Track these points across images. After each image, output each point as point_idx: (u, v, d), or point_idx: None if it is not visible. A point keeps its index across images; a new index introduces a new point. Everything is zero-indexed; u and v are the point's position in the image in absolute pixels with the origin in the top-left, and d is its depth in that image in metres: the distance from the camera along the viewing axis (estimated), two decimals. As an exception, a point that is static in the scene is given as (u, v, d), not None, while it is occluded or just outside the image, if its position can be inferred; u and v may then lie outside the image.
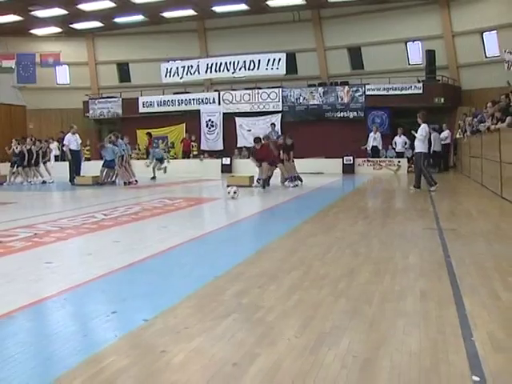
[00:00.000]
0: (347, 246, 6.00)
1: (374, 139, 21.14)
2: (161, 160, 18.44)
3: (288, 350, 2.92)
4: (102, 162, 16.55)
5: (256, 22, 25.03)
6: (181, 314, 3.58)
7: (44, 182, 17.40)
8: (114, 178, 16.43)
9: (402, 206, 11.27)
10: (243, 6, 23.50)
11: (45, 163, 18.29)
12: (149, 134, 17.92)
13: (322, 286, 4.28)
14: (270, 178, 14.43)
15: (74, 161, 16.79)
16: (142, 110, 25.48)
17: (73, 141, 16.67)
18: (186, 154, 24.06)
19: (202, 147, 24.41)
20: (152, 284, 4.51)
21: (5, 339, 3.12)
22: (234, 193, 11.25)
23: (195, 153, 24.04)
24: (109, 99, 26.51)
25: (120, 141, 16.56)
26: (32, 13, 23.30)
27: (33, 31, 26.47)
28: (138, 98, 25.69)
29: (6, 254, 5.91)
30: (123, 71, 28.18)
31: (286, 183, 14.30)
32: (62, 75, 28.46)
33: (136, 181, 16.25)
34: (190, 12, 24.22)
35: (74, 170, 16.66)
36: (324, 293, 4.06)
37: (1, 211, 10.62)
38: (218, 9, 23.76)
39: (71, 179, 16.57)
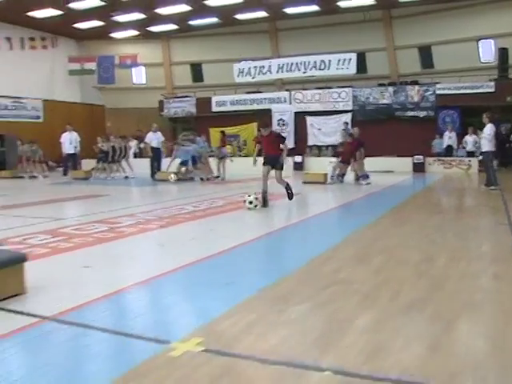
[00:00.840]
0: (424, 237, 6.67)
1: (448, 138, 21.41)
2: (185, 163, 17.41)
3: (383, 312, 3.67)
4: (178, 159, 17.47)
5: (326, 23, 25.59)
6: (287, 286, 4.40)
7: (126, 177, 18.61)
8: (192, 174, 17.39)
9: (474, 202, 11.72)
10: (314, 8, 24.12)
11: (126, 160, 19.51)
12: (222, 133, 18.80)
13: (405, 267, 5.00)
14: (343, 175, 15.08)
15: (155, 157, 17.92)
16: (214, 108, 26.53)
17: (154, 139, 17.84)
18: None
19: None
20: (257, 263, 5.35)
21: (165, 294, 4.04)
22: (251, 203, 9.40)
23: (267, 151, 24.83)
24: (183, 98, 27.73)
25: (198, 139, 17.55)
26: (113, 18, 24.72)
27: (112, 35, 28.00)
28: (211, 98, 26.75)
29: (119, 237, 6.90)
30: (196, 71, 29.34)
31: (360, 181, 14.81)
32: (139, 76, 29.88)
33: (214, 177, 17.19)
34: (263, 14, 25.03)
35: (156, 166, 17.79)
36: (407, 273, 4.79)
37: (98, 203, 11.75)
38: (289, 10, 24.48)
39: (152, 175, 17.70)
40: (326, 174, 15.37)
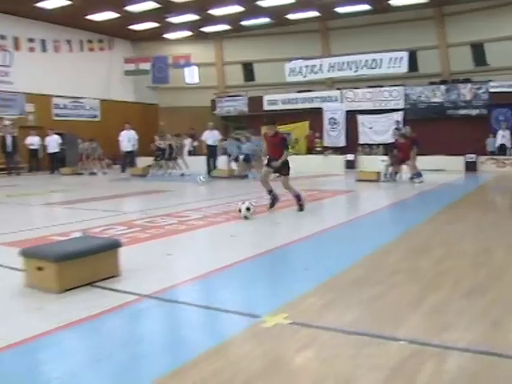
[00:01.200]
0: (480, 232, 7.00)
1: (502, 137, 21.36)
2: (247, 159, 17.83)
3: (446, 296, 4.07)
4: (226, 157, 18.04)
5: (377, 21, 25.72)
6: (357, 272, 4.82)
7: (182, 174, 19.26)
8: (247, 172, 17.91)
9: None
10: (366, 7, 24.33)
11: (181, 157, 20.19)
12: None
13: (464, 259, 5.38)
14: (397, 173, 15.36)
15: (211, 155, 18.54)
16: (266, 107, 27.01)
17: (210, 137, 18.45)
18: (310, 150, 25.34)
19: (324, 143, 25.57)
20: (328, 252, 5.81)
21: (248, 277, 4.54)
22: (248, 209, 8.25)
23: (319, 149, 25.26)
24: (235, 97, 28.33)
25: (253, 137, 18.06)
26: (167, 19, 25.49)
27: (166, 35, 28.79)
28: (262, 97, 27.26)
29: (191, 229, 7.43)
30: (248, 71, 29.88)
31: (414, 179, 15.00)
32: (191, 75, 30.59)
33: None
34: (314, 13, 25.37)
35: (212, 164, 18.40)
36: (466, 264, 5.17)
37: (162, 198, 12.38)
38: (340, 10, 24.75)
39: (209, 172, 18.31)
40: (379, 173, 15.66)
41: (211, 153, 18.55)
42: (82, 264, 4.44)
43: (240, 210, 8.23)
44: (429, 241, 6.39)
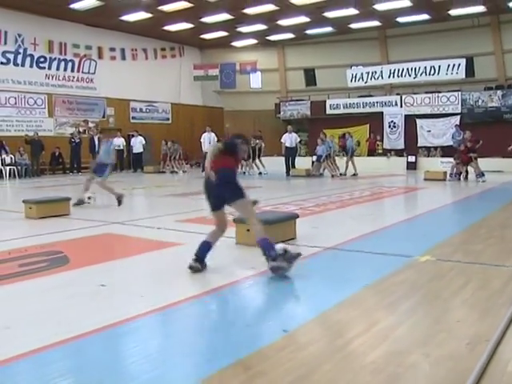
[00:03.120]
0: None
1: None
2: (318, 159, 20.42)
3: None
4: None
5: (434, 29, 27.63)
6: (461, 236, 7.03)
7: (260, 174, 21.58)
8: (322, 171, 20.19)
9: None
10: (425, 16, 26.27)
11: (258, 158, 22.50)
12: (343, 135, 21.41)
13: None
14: (461, 173, 17.41)
15: (289, 156, 20.83)
16: (328, 111, 29.25)
17: (288, 139, 20.76)
18: (371, 153, 27.49)
19: (384, 146, 27.68)
20: (442, 221, 8.07)
21: (385, 240, 6.83)
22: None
23: (380, 151, 27.40)
24: (298, 102, 30.66)
25: (327, 139, 20.29)
26: (237, 29, 27.95)
27: (232, 43, 31.28)
28: (325, 101, 29.50)
29: (314, 213, 9.68)
30: (309, 76, 32.15)
31: (477, 178, 16.99)
32: (255, 80, 33.00)
33: (340, 174, 19.92)
34: (375, 23, 27.44)
35: (289, 164, 20.72)
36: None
37: (259, 192, 14.64)
38: (401, 19, 26.76)
39: (287, 171, 20.61)
40: (445, 172, 17.75)
41: (289, 154, 20.81)
42: (276, 228, 6.75)
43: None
44: (507, 220, 8.56)
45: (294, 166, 20.94)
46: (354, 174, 19.95)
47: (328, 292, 4.68)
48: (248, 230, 6.60)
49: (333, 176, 19.67)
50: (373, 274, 5.12)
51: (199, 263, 5.41)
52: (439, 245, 6.50)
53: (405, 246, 6.58)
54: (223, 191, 5.42)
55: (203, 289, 4.89)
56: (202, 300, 4.52)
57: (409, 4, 23.62)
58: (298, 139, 21.51)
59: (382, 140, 27.84)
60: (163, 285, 5.03)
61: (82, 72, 26.46)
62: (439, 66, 26.24)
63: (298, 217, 7.19)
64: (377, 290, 4.61)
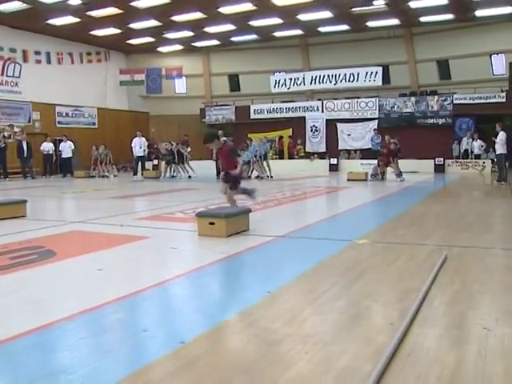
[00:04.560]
0: (457, 208, 10.71)
1: (466, 143, 25.52)
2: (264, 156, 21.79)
3: (444, 228, 7.69)
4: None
5: (354, 38, 29.65)
6: (393, 223, 8.41)
7: (189, 177, 22.58)
8: (249, 174, 21.42)
9: (487, 191, 15.78)
10: (345, 27, 28.15)
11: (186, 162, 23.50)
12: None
13: (450, 217, 9.00)
14: (383, 173, 19.11)
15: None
16: (253, 116, 30.64)
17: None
18: (291, 156, 29.13)
19: (306, 149, 29.33)
20: (374, 214, 9.42)
21: (340, 224, 8.11)
22: None
23: (302, 154, 29.03)
24: (223, 107, 31.89)
25: (254, 143, 21.55)
26: (164, 35, 28.87)
27: (159, 49, 32.18)
28: (249, 106, 30.87)
29: (266, 208, 10.81)
30: (234, 82, 33.47)
31: (396, 178, 18.74)
32: (180, 85, 33.97)
33: (267, 176, 21.20)
34: (298, 32, 29.06)
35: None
36: (453, 217, 8.77)
37: (197, 193, 15.70)
38: (322, 29, 28.51)
39: (218, 174, 21.61)
40: (366, 173, 19.42)
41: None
42: (235, 220, 7.86)
43: None
44: (427, 211, 10.10)
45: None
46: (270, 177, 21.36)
47: (294, 264, 5.86)
48: (211, 223, 7.69)
49: (261, 178, 20.93)
50: (323, 253, 6.32)
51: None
52: (372, 231, 7.81)
53: (344, 233, 7.86)
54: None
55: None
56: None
57: (330, 15, 25.32)
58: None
59: (304, 143, 29.46)
60: (156, 267, 6.05)
61: (7, 75, 26.57)
62: (358, 73, 28.17)
63: (251, 211, 8.34)
64: (329, 263, 5.82)
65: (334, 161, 26.95)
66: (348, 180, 19.31)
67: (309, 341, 3.35)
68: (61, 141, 26.10)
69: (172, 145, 22.97)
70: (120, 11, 24.26)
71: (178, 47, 32.08)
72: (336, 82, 28.73)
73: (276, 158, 28.32)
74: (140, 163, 24.01)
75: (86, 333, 3.72)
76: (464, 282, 4.81)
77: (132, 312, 4.27)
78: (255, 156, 21.35)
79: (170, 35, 29.02)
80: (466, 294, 4.39)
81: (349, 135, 28.72)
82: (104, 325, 3.89)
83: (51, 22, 25.58)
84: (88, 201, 14.06)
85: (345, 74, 28.44)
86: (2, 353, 3.31)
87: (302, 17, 25.66)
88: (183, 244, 7.41)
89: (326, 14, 25.30)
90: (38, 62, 27.83)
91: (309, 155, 28.93)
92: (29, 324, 3.77)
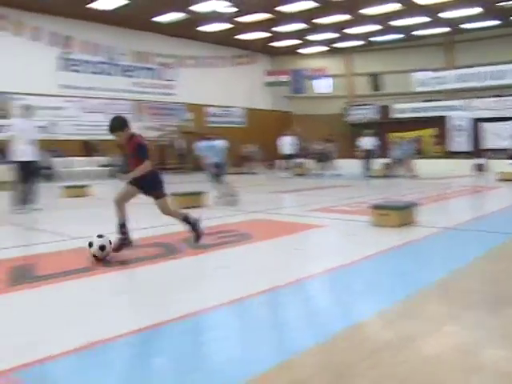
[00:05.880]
0: None
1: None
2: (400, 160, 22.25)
3: None
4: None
5: (501, 33, 28.85)
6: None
7: (338, 175, 23.48)
8: (396, 172, 22.02)
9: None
10: (493, 22, 27.50)
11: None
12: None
13: None
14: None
15: (368, 158, 22.47)
16: (394, 115, 31.06)
17: (367, 141, 22.42)
18: (433, 155, 29.29)
19: (451, 149, 29.31)
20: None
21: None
22: (101, 249, 6.09)
23: (442, 153, 29.11)
24: (365, 106, 32.59)
25: (404, 142, 22.12)
26: (307, 37, 30.10)
27: (301, 50, 33.53)
28: (390, 106, 31.37)
29: (441, 199, 11.58)
30: (375, 81, 33.92)
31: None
32: (323, 85, 35.01)
33: (414, 175, 21.70)
34: (442, 30, 28.96)
35: (367, 166, 22.49)
36: None
37: (353, 190, 16.59)
38: (469, 26, 28.18)
39: (365, 172, 22.44)
40: (517, 172, 19.51)
41: (368, 156, 22.50)
42: (407, 212, 8.77)
43: (90, 245, 6.11)
44: None
45: (371, 168, 22.60)
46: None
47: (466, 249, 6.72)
48: (384, 215, 8.63)
49: (413, 176, 21.49)
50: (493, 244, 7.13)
51: None
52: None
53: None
54: None
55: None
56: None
57: (479, 11, 25.07)
58: (377, 142, 23.09)
59: (444, 143, 29.46)
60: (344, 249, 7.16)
61: (165, 80, 29.03)
62: (505, 71, 27.62)
63: (417, 205, 9.21)
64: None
65: (481, 161, 26.75)
66: (499, 180, 19.35)
67: None
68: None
69: (322, 143, 24.10)
70: (269, 16, 25.63)
71: (321, 49, 33.17)
72: (482, 80, 28.41)
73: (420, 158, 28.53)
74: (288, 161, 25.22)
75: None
76: None
77: (343, 281, 5.38)
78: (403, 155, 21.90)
79: (313, 37, 30.12)
80: None
81: (495, 134, 28.33)
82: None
83: (201, 28, 27.53)
84: (251, 195, 15.36)
85: (491, 72, 28.09)
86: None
87: (447, 14, 25.59)
88: (360, 231, 8.42)
89: (474, 11, 25.06)
90: (192, 66, 30.01)
91: (451, 155, 28.87)
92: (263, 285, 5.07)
